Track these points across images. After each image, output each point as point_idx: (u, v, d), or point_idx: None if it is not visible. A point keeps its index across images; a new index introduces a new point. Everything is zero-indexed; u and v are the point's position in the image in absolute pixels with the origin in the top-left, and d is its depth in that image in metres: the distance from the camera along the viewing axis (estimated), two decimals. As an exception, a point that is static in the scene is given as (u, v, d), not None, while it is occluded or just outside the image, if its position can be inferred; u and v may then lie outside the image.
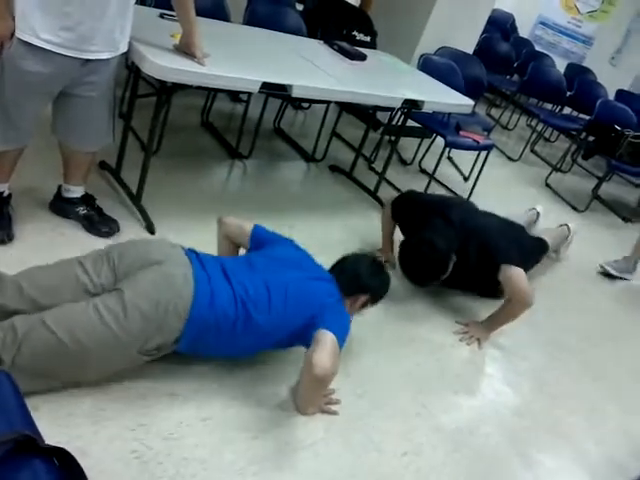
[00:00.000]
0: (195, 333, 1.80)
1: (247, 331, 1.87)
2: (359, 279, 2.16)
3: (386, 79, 3.47)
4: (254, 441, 1.86)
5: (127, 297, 1.70)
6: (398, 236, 2.96)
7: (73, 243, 2.37)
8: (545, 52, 7.38)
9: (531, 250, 3.24)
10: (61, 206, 2.52)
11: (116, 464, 1.63)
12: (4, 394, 1.21)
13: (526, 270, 2.75)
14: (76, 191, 2.49)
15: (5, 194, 2.30)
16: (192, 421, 1.85)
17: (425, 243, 2.64)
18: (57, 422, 1.67)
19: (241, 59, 2.72)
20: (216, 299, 1.82)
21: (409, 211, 2.94)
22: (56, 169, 2.49)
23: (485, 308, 2.89)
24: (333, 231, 3.25)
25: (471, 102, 3.64)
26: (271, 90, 2.60)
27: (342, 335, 1.92)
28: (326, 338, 1.84)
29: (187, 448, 1.75)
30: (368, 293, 2.19)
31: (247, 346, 1.98)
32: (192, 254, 1.94)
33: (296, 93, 2.64)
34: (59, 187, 2.51)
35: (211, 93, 3.88)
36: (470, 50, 4.94)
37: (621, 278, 3.87)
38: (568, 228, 3.78)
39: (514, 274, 2.67)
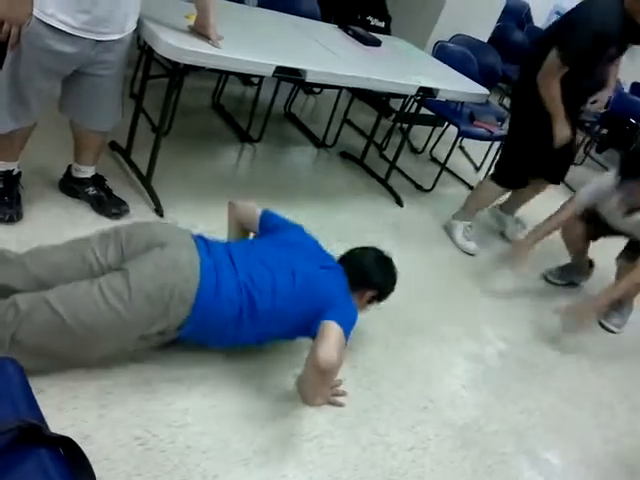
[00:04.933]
0: (199, 320, 1.77)
1: (252, 320, 1.84)
2: (366, 274, 2.13)
3: (401, 66, 3.41)
4: (260, 431, 1.84)
5: (132, 278, 1.67)
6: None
7: (82, 223, 2.36)
8: (560, 43, 7.25)
9: None
10: (71, 186, 2.49)
11: (120, 450, 1.62)
12: (11, 380, 1.19)
13: None
14: (86, 171, 2.46)
15: (15, 173, 2.27)
16: (197, 409, 1.83)
17: None
18: (62, 405, 1.65)
19: (255, 42, 2.67)
20: (221, 286, 1.79)
21: None
22: (66, 149, 2.46)
23: (489, 298, 2.86)
24: (343, 218, 3.22)
25: (486, 91, 3.59)
26: (285, 74, 2.55)
27: (348, 327, 1.88)
28: (331, 330, 1.81)
29: (191, 436, 1.74)
30: (375, 289, 2.16)
31: (252, 335, 1.95)
32: (200, 240, 1.91)
33: (310, 78, 2.59)
34: (69, 167, 2.49)
35: (223, 75, 3.83)
36: (485, 38, 4.86)
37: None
38: None
39: None
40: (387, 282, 2.22)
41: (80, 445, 1.13)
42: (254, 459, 1.75)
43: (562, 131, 3.01)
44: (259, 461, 1.75)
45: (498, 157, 3.50)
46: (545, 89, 2.90)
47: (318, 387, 1.97)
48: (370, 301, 2.18)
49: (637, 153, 2.74)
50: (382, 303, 2.23)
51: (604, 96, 3.29)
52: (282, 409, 1.95)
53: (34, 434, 1.10)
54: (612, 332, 3.19)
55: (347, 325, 1.87)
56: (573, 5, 2.92)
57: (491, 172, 3.44)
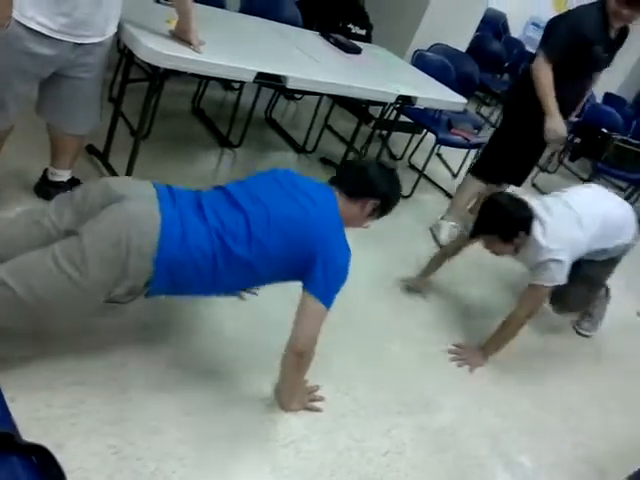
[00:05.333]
0: (168, 273, 1.66)
1: (230, 266, 1.73)
2: (368, 180, 1.97)
3: (380, 74, 3.44)
4: (236, 438, 1.84)
5: (85, 240, 1.57)
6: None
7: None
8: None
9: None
10: (47, 189, 2.46)
11: (93, 459, 1.60)
12: (-17, 388, 1.17)
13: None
14: (63, 175, 2.44)
15: (-11, 176, 2.25)
16: (173, 416, 1.82)
17: None
18: (34, 414, 1.64)
19: (236, 48, 2.68)
20: (188, 236, 1.67)
21: None
22: (43, 152, 2.44)
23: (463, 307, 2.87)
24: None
25: (464, 100, 3.64)
26: (266, 80, 2.57)
27: (334, 289, 1.79)
28: (309, 308, 1.76)
29: (167, 444, 1.73)
30: (378, 198, 1.98)
31: (234, 282, 1.86)
32: (164, 189, 1.77)
33: (291, 85, 2.60)
34: (45, 170, 2.47)
35: (203, 80, 3.82)
36: (463, 48, 4.92)
37: None
38: None
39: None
40: (392, 191, 2.03)
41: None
42: (230, 466, 1.75)
43: (555, 125, 3.10)
44: (235, 468, 1.75)
45: (480, 151, 3.64)
46: (537, 78, 3.07)
47: (295, 378, 1.94)
48: (371, 214, 2.01)
49: (485, 211, 2.58)
50: (359, 308, 2.23)
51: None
52: (258, 415, 1.95)
53: (6, 442, 1.08)
54: (586, 336, 3.24)
55: (331, 289, 1.79)
56: (547, 17, 3.08)
57: (470, 167, 3.58)
